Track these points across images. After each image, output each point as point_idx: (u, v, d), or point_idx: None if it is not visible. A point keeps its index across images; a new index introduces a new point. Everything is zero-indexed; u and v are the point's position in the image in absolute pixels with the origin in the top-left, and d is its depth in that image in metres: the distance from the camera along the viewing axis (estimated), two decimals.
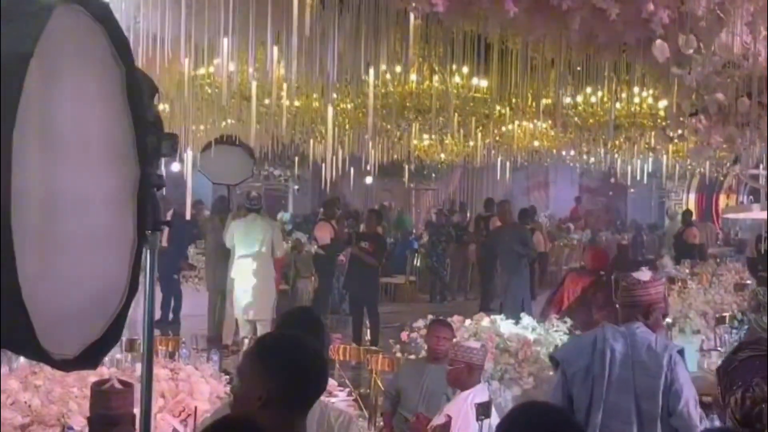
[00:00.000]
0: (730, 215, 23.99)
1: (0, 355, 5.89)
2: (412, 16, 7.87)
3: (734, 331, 8.83)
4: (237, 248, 12.25)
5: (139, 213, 2.72)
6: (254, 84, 8.77)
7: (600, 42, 6.81)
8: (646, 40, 5.82)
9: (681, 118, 6.68)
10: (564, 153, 19.84)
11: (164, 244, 15.10)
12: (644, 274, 5.22)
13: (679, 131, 6.75)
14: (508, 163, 20.21)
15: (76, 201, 2.45)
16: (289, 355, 3.01)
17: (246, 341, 8.27)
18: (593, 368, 5.08)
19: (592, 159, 20.39)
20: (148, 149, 2.73)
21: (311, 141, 15.37)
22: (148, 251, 2.88)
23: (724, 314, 9.43)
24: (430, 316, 8.36)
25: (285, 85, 9.22)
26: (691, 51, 5.16)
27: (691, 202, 29.14)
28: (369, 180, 23.38)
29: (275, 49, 7.56)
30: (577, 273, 10.52)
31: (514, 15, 5.49)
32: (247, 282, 12.08)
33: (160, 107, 9.10)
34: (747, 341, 3.06)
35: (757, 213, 15.44)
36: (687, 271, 14.60)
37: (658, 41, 5.23)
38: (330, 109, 9.53)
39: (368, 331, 13.69)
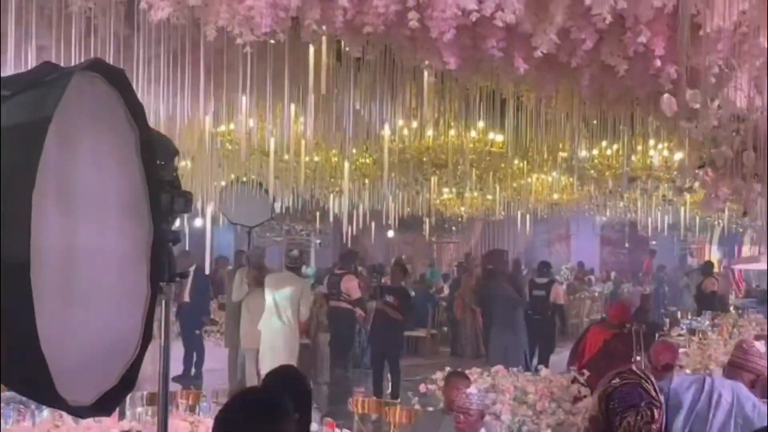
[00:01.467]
0: (739, 266, 24.00)
1: (20, 409, 6.02)
2: (426, 73, 8.02)
3: None
4: (268, 303, 12.21)
5: (153, 266, 2.85)
6: (272, 140, 8.91)
7: (610, 97, 6.91)
8: (656, 94, 5.90)
9: (694, 170, 6.73)
10: (583, 205, 19.89)
11: (186, 299, 15.26)
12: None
13: (690, 183, 6.84)
14: (528, 216, 20.27)
15: (92, 257, 2.59)
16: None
17: None
18: (697, 406, 5.16)
19: (610, 212, 20.46)
20: (161, 206, 2.86)
21: (331, 196, 15.48)
22: (164, 302, 2.99)
23: None
24: (447, 369, 8.40)
25: (303, 141, 9.36)
26: (697, 105, 5.24)
27: (714, 253, 29.10)
28: (390, 234, 23.48)
29: (293, 106, 7.71)
30: (600, 326, 10.46)
31: (525, 72, 5.59)
32: (274, 338, 12.08)
33: (182, 164, 9.25)
34: (618, 371, 3.61)
35: (763, 263, 15.44)
36: (708, 322, 14.54)
37: (666, 96, 5.31)
38: (347, 165, 9.66)
39: (390, 384, 13.63)
